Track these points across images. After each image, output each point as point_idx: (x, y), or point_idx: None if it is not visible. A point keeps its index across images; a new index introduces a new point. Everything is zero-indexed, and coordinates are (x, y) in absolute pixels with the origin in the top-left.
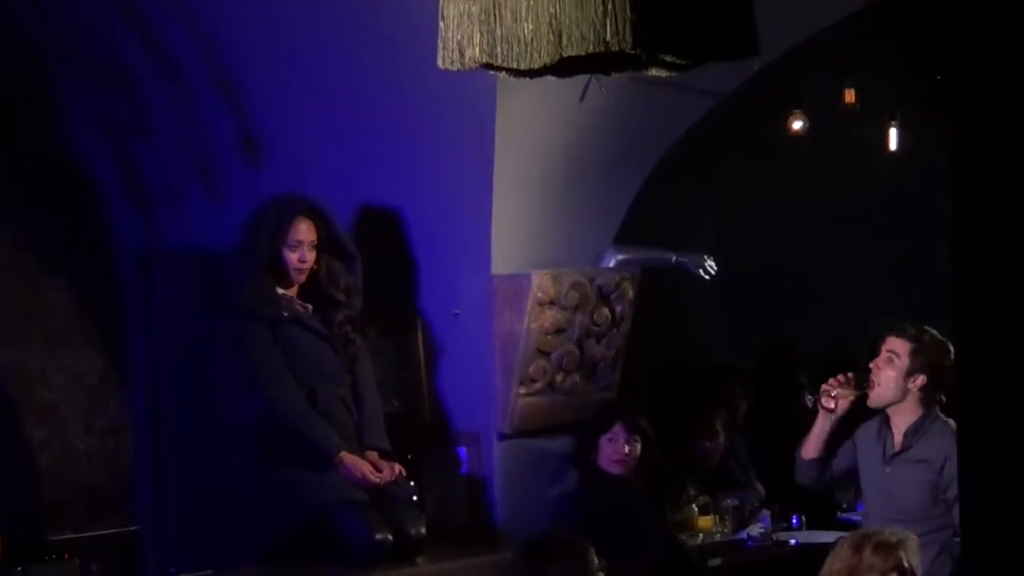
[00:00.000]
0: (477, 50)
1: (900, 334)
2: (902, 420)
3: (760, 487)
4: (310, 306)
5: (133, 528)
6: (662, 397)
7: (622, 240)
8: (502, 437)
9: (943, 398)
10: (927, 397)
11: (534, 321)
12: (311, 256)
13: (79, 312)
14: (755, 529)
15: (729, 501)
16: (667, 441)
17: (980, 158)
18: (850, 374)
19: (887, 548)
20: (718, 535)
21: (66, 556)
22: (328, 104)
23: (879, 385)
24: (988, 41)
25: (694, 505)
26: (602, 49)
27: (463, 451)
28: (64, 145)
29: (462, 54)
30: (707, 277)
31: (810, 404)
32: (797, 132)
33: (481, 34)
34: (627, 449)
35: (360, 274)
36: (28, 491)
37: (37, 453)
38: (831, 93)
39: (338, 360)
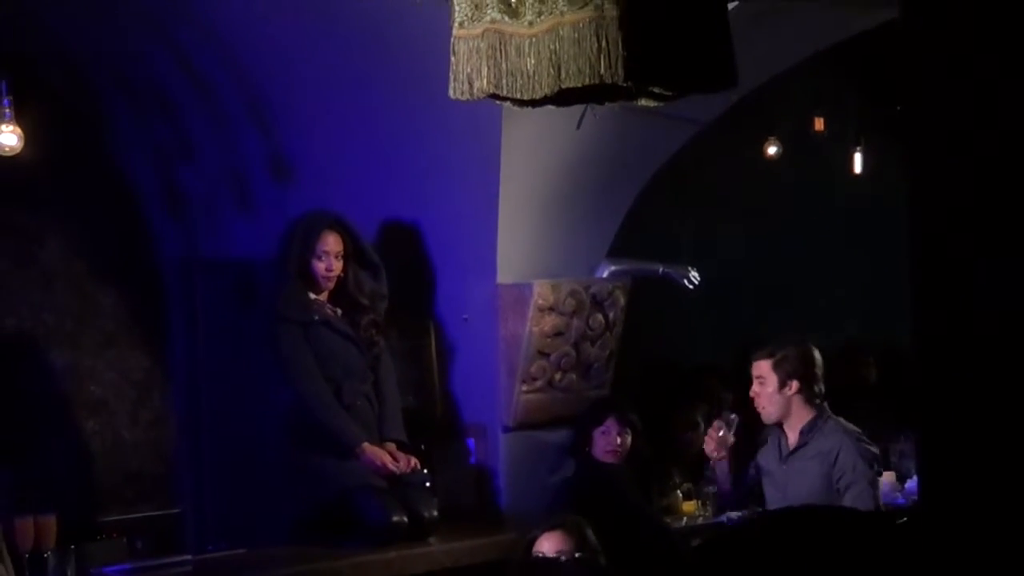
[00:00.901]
0: (484, 82)
1: (758, 357)
2: (796, 423)
3: None
4: (339, 310)
5: (175, 510)
6: (650, 393)
7: (614, 253)
8: (506, 430)
9: (823, 396)
10: (808, 398)
11: (535, 325)
12: (338, 265)
13: (127, 315)
14: (734, 513)
15: (711, 487)
16: (654, 433)
17: (934, 180)
18: (718, 425)
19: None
20: (700, 519)
21: (115, 535)
22: (351, 129)
23: (763, 408)
24: (941, 75)
25: (679, 491)
26: (597, 81)
27: (471, 442)
28: (113, 164)
29: (471, 85)
30: (691, 286)
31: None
32: (772, 156)
33: (488, 68)
34: (619, 440)
35: (384, 282)
36: (80, 476)
37: (88, 442)
38: (802, 121)
39: (363, 359)
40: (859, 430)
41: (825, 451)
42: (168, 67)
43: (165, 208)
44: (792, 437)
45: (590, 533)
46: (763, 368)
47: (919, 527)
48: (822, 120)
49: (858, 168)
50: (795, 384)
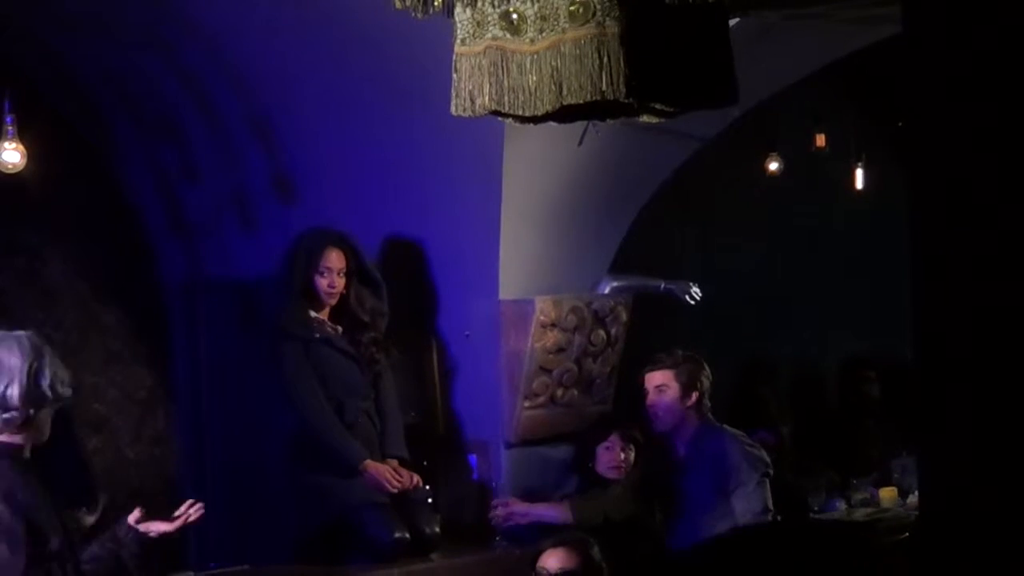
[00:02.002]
0: (486, 99)
1: (658, 366)
2: (685, 432)
3: None
4: (340, 328)
5: None
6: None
7: (616, 269)
8: (508, 446)
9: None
10: (701, 409)
11: (537, 341)
12: (340, 283)
13: (130, 334)
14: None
15: None
16: (655, 448)
17: (935, 196)
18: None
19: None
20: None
21: None
22: (353, 147)
23: (659, 417)
24: (942, 93)
25: None
26: (598, 98)
27: (473, 458)
28: (116, 183)
29: (473, 102)
30: (692, 302)
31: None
32: (773, 172)
33: (490, 84)
34: (622, 456)
35: (385, 299)
36: (83, 494)
37: (91, 460)
38: (804, 137)
39: (364, 377)
40: (745, 434)
41: (713, 457)
42: (171, 87)
43: (168, 227)
44: (682, 446)
45: (595, 551)
46: (665, 378)
47: (920, 541)
48: (823, 136)
49: (859, 184)
50: (695, 395)
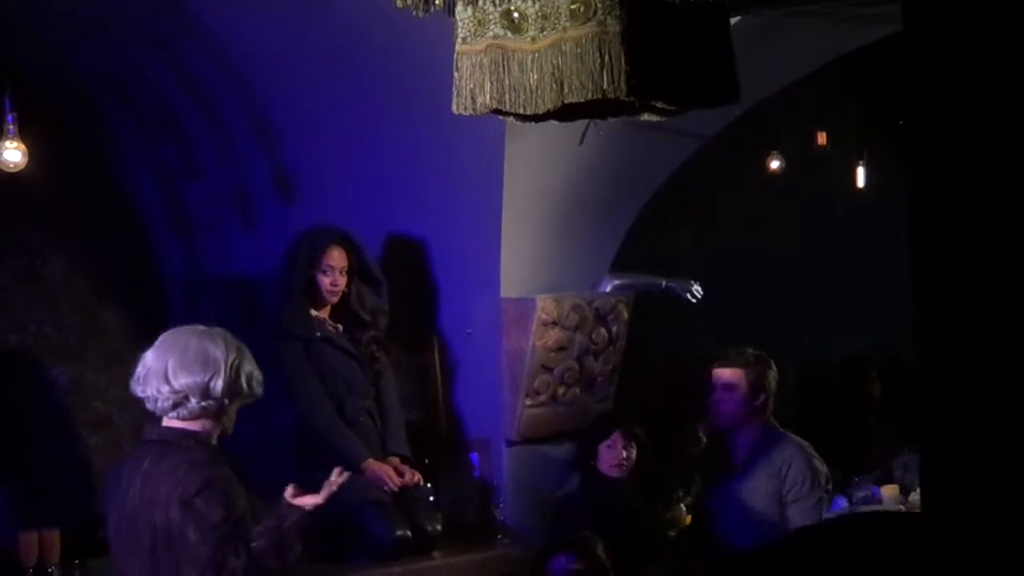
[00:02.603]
0: (488, 97)
1: (728, 363)
2: (745, 437)
3: None
4: (340, 326)
5: None
6: (653, 407)
7: (617, 267)
8: (510, 444)
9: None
10: (766, 411)
11: (538, 340)
12: (342, 281)
13: (131, 332)
14: None
15: None
16: (657, 446)
17: (936, 195)
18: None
19: None
20: None
21: None
22: (354, 145)
23: (724, 414)
24: (943, 90)
25: (682, 504)
26: (600, 96)
27: (475, 456)
28: (117, 183)
29: (474, 101)
30: (694, 300)
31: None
32: (774, 171)
33: (491, 83)
34: (624, 455)
35: (386, 297)
36: (85, 492)
37: (93, 458)
38: (805, 136)
39: (365, 375)
40: (810, 445)
41: (777, 464)
42: (171, 85)
43: (168, 225)
44: (742, 450)
45: (600, 549)
46: (735, 376)
47: (921, 538)
48: (824, 134)
49: (860, 182)
50: (762, 398)
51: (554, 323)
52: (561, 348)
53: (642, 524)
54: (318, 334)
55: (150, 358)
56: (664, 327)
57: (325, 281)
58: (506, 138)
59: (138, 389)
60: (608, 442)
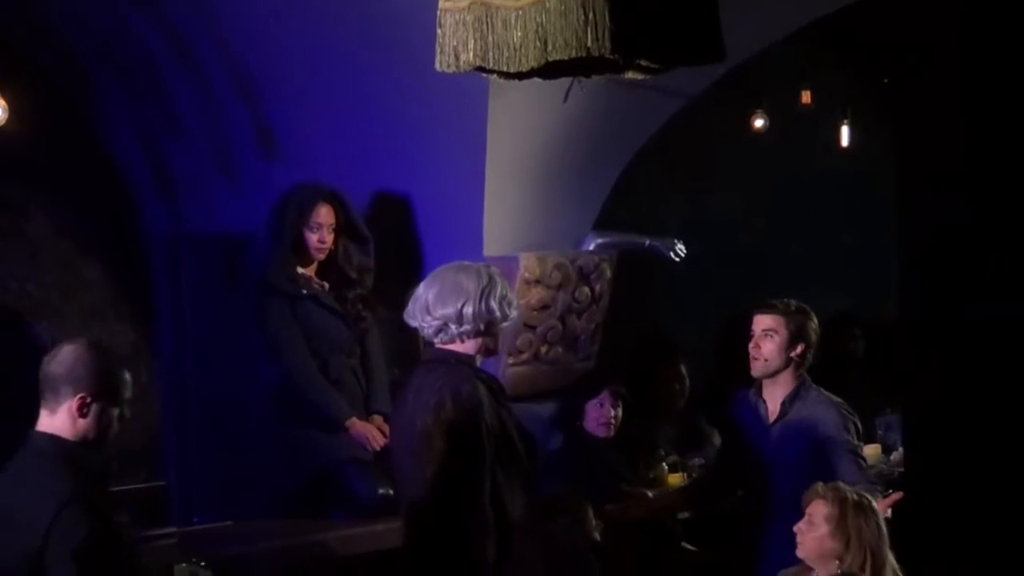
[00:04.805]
0: (471, 55)
1: (769, 311)
2: (779, 390)
3: None
4: (326, 284)
5: (161, 483)
6: (635, 366)
7: (601, 225)
8: None
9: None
10: (802, 365)
11: (521, 298)
12: (330, 238)
13: (112, 290)
14: None
15: (696, 460)
16: (639, 391)
17: (921, 153)
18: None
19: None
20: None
21: None
22: (337, 103)
23: (764, 361)
24: (928, 48)
25: (665, 464)
26: (584, 54)
27: None
28: (99, 141)
29: (457, 58)
30: (677, 259)
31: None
32: (759, 129)
33: (475, 40)
34: (612, 413)
35: (372, 255)
36: None
37: None
38: (789, 94)
39: (350, 334)
40: (843, 401)
41: (810, 421)
42: (155, 42)
43: (152, 183)
44: (773, 403)
45: (590, 513)
46: (775, 323)
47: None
48: (809, 93)
49: (845, 141)
50: (801, 347)
51: (537, 281)
52: (544, 307)
53: (625, 484)
54: (304, 291)
55: (419, 291)
56: (647, 286)
57: (312, 238)
58: (490, 96)
59: (410, 321)
60: (597, 401)
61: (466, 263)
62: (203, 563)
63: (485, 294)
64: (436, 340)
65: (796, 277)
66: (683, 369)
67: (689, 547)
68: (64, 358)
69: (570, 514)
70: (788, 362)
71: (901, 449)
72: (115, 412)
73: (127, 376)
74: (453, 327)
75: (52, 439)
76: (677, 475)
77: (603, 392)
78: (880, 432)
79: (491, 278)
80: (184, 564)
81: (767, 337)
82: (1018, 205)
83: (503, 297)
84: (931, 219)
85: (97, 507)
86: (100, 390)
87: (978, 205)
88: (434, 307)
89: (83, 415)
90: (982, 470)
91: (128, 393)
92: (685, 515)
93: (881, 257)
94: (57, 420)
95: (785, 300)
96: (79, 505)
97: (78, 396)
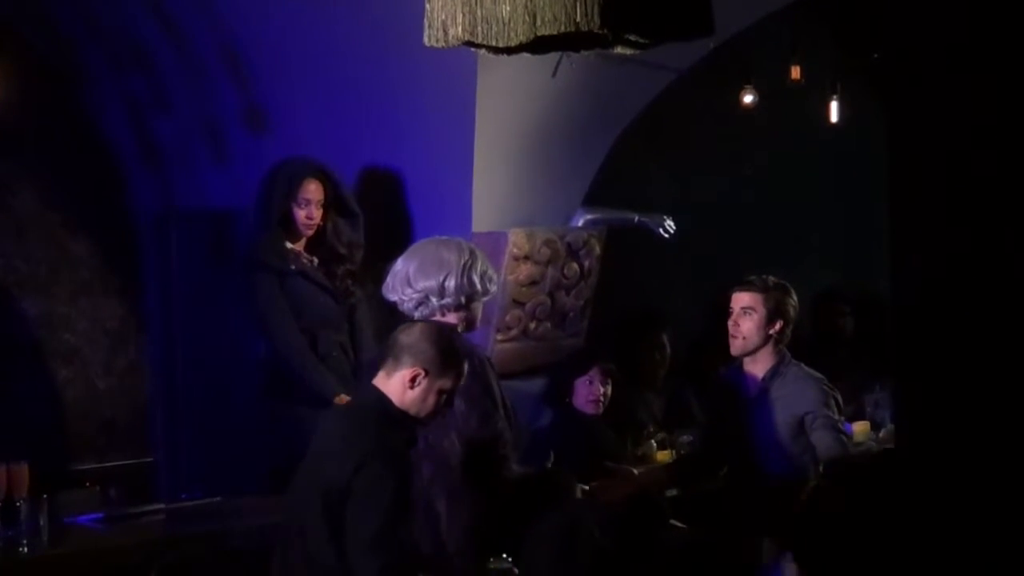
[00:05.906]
0: (460, 29)
1: (748, 288)
2: (760, 367)
3: None
4: (315, 259)
5: (149, 459)
6: (620, 338)
7: (590, 201)
8: None
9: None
10: (781, 341)
11: (510, 274)
12: (318, 213)
13: (101, 265)
14: None
15: (684, 437)
16: (623, 363)
17: (913, 128)
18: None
19: None
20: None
21: (88, 484)
22: (325, 77)
23: (743, 338)
24: (919, 24)
25: (653, 441)
26: (572, 29)
27: None
28: (87, 115)
29: (446, 33)
30: (666, 235)
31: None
32: (748, 105)
33: (463, 15)
34: (601, 390)
35: (362, 230)
36: (54, 425)
37: (62, 391)
38: (779, 70)
39: (339, 309)
40: (822, 376)
41: (791, 397)
42: (142, 16)
43: (140, 158)
44: (754, 380)
45: (578, 490)
46: (753, 300)
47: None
48: (799, 68)
49: (835, 117)
50: (779, 324)
51: (526, 257)
52: (533, 282)
53: (613, 461)
54: (293, 267)
55: (398, 265)
56: (636, 262)
57: (300, 214)
58: (478, 71)
59: (389, 294)
60: (587, 377)
61: (445, 237)
62: (509, 558)
63: (467, 267)
64: (416, 314)
65: (785, 253)
66: (665, 339)
67: (678, 524)
68: (415, 331)
69: (560, 491)
70: (767, 339)
71: (890, 426)
72: (442, 397)
73: (465, 368)
74: (434, 300)
75: (380, 398)
76: (666, 452)
77: (592, 369)
78: (869, 409)
79: (472, 253)
80: (492, 559)
81: (745, 315)
82: (1013, 179)
83: (484, 272)
84: (923, 196)
85: (396, 467)
86: (435, 369)
87: (970, 181)
88: (415, 279)
89: (412, 386)
90: (974, 447)
91: (460, 383)
92: (673, 492)
93: (871, 234)
94: (391, 384)
95: (763, 276)
96: (380, 461)
97: (413, 368)
